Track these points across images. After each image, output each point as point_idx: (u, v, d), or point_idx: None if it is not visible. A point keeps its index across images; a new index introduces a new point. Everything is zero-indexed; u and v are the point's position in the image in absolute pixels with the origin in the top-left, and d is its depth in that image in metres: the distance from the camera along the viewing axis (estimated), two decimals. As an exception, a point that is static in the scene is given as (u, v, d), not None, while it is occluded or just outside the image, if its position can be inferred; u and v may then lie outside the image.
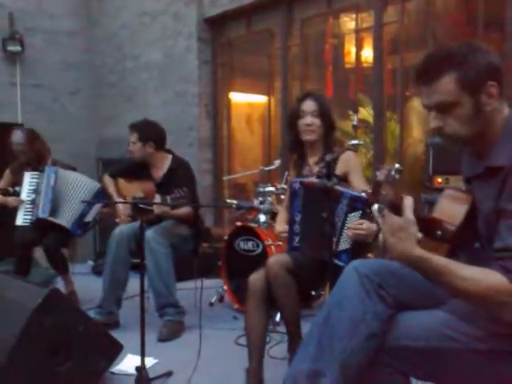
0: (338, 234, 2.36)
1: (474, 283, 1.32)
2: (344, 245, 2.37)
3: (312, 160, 2.71)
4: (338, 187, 2.33)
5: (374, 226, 2.28)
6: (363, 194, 2.29)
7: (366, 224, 2.31)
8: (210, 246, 4.76)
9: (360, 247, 2.37)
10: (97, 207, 3.95)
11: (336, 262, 2.33)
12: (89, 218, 3.92)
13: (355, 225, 2.33)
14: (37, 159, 3.96)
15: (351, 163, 2.62)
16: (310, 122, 2.62)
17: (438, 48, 1.50)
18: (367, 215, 2.30)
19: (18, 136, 3.92)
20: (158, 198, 3.18)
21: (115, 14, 6.41)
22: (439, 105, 1.44)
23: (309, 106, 2.64)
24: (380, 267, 1.55)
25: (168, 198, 2.79)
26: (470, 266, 1.34)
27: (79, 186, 3.88)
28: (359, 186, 2.47)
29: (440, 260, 1.35)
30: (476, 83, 1.41)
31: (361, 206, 2.31)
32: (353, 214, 2.34)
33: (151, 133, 3.64)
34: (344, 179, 2.56)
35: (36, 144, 3.97)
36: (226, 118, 5.70)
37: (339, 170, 2.60)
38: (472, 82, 1.40)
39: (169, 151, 3.74)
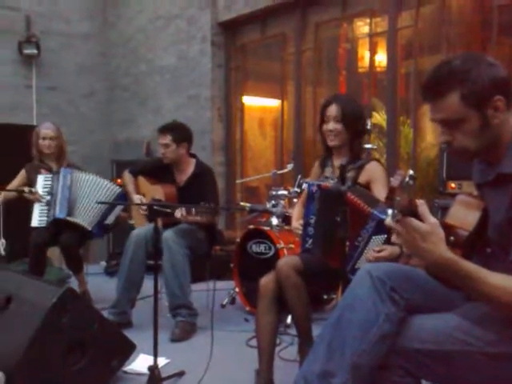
0: (359, 253, 2.33)
1: (502, 291, 1.32)
2: (362, 264, 2.34)
3: (337, 163, 2.66)
4: (365, 205, 2.29)
5: (396, 250, 2.23)
6: None
7: (388, 251, 2.25)
8: (222, 248, 4.78)
9: None
10: (118, 210, 3.96)
11: (350, 276, 2.31)
12: (109, 220, 3.94)
13: (377, 251, 2.27)
14: (57, 156, 4.01)
15: (376, 174, 2.57)
16: (331, 127, 2.57)
17: (441, 64, 1.46)
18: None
19: (48, 126, 3.99)
20: (183, 210, 3.19)
21: (131, 18, 6.46)
22: (445, 121, 1.45)
23: (331, 111, 2.58)
24: (393, 270, 1.55)
25: (193, 210, 2.81)
26: (498, 274, 1.34)
27: (99, 186, 3.89)
28: (380, 196, 2.42)
29: (470, 265, 1.35)
30: (481, 99, 1.40)
31: (385, 229, 2.26)
32: (378, 236, 2.30)
33: (184, 134, 3.64)
34: (366, 188, 2.53)
35: (61, 139, 4.04)
36: (238, 122, 5.72)
37: (362, 178, 2.56)
38: (477, 99, 1.40)
39: (193, 155, 3.74)
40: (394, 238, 1.43)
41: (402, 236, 1.39)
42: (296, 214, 2.84)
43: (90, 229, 3.86)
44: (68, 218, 3.81)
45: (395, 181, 1.44)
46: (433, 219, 1.37)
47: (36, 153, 4.01)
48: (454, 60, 1.45)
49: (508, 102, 1.43)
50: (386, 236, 2.28)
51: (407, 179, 1.48)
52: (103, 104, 6.74)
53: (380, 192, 2.51)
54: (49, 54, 6.26)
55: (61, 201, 3.81)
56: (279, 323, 2.49)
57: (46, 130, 3.97)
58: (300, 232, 2.58)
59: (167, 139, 3.56)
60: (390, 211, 1.42)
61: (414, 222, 1.36)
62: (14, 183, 4.01)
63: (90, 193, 3.88)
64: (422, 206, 1.38)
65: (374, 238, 2.30)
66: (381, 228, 2.26)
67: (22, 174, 4.05)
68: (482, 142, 1.45)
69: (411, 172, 2.64)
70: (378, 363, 1.47)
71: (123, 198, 3.87)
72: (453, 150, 1.49)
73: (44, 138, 3.95)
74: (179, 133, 3.60)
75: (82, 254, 4.24)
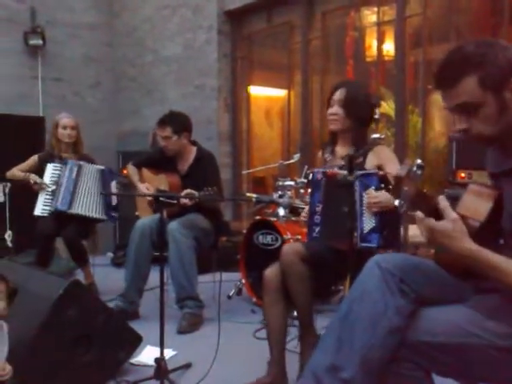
0: (360, 216, 2.31)
1: None
2: (368, 224, 2.32)
3: (340, 150, 2.63)
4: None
5: (388, 196, 2.21)
6: (373, 170, 2.30)
7: (379, 194, 2.25)
8: (228, 239, 4.77)
9: (386, 220, 2.30)
10: (113, 188, 3.95)
11: (365, 245, 2.29)
12: (114, 201, 3.95)
13: (368, 198, 2.28)
14: (76, 146, 4.05)
15: (384, 154, 2.52)
16: (333, 111, 2.52)
17: (454, 50, 1.44)
18: (382, 189, 2.26)
19: (68, 115, 4.03)
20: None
21: (136, 8, 6.43)
22: (462, 106, 1.42)
23: (338, 94, 2.53)
24: (402, 262, 1.53)
25: (196, 194, 2.82)
26: None
27: (91, 176, 3.93)
28: None
29: (496, 256, 1.35)
30: (498, 81, 1.37)
31: (374, 181, 2.27)
32: (367, 191, 2.29)
33: (184, 123, 3.60)
34: None
35: (79, 130, 4.06)
36: (245, 112, 5.69)
37: (371, 163, 2.50)
38: (494, 81, 1.37)
39: (194, 143, 3.73)
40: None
41: (425, 235, 1.42)
42: None
43: (104, 218, 3.91)
44: (71, 211, 3.81)
45: (402, 170, 1.42)
46: (453, 215, 1.37)
47: (55, 142, 4.01)
48: (466, 45, 1.42)
49: None
50: (374, 188, 2.28)
51: (414, 168, 1.45)
52: (109, 95, 6.72)
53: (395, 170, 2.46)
54: (54, 45, 6.24)
55: (64, 193, 3.82)
56: (288, 313, 2.46)
57: (68, 119, 4.00)
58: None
59: (167, 132, 3.53)
60: (397, 202, 1.40)
61: (435, 223, 1.37)
62: (24, 165, 4.01)
63: (93, 184, 3.91)
64: (442, 201, 1.38)
65: (364, 194, 2.30)
66: (367, 183, 2.29)
67: (34, 159, 4.04)
68: (500, 127, 1.42)
69: (419, 161, 2.59)
70: (388, 356, 1.45)
71: (110, 173, 3.96)
72: (470, 136, 1.45)
73: (65, 128, 3.97)
74: (178, 123, 3.56)
75: (89, 245, 4.26)
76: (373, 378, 1.46)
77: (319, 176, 2.45)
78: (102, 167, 3.98)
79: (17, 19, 6.01)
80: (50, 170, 3.88)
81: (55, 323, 2.29)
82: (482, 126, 1.41)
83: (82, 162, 3.92)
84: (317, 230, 2.46)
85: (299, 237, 3.48)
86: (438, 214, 1.40)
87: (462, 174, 3.11)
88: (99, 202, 3.91)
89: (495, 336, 1.39)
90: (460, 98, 1.41)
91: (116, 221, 4.21)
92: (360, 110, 2.53)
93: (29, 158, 4.04)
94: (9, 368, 1.90)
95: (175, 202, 3.18)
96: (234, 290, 4.00)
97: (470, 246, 1.36)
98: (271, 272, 2.41)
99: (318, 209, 2.45)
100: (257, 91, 5.79)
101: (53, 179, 3.86)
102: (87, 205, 3.88)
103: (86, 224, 3.90)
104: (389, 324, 1.44)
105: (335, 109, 2.53)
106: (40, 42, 6.05)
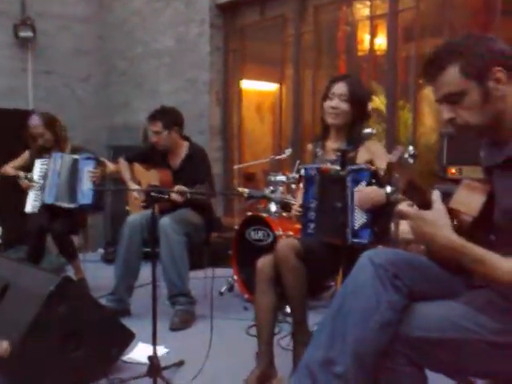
0: (351, 212, 2.31)
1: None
2: (360, 220, 2.32)
3: (331, 145, 2.62)
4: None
5: (380, 191, 2.23)
6: (365, 165, 2.30)
7: (369, 188, 2.27)
8: (220, 235, 4.75)
9: (377, 216, 2.31)
10: (85, 172, 3.87)
11: (356, 241, 2.29)
12: (87, 184, 3.84)
13: (359, 195, 2.29)
14: (57, 144, 3.98)
15: (377, 150, 2.51)
16: (335, 104, 2.50)
17: (440, 45, 1.49)
18: (373, 185, 2.27)
19: (34, 120, 3.95)
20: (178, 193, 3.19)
21: (127, 0, 6.37)
22: (447, 96, 1.44)
23: (338, 88, 2.51)
24: (395, 257, 1.53)
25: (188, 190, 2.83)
26: (509, 258, 1.34)
27: (67, 166, 3.89)
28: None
29: (480, 249, 1.35)
30: (480, 70, 1.40)
31: (364, 176, 2.29)
32: (358, 187, 2.30)
33: (174, 118, 3.60)
34: None
35: (54, 128, 3.98)
36: (236, 106, 5.67)
37: (362, 158, 2.49)
38: (476, 69, 1.40)
39: (186, 138, 3.72)
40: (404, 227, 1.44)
41: (409, 224, 1.42)
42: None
43: (75, 205, 3.82)
44: (57, 203, 3.80)
45: (393, 156, 1.42)
46: (440, 206, 1.38)
47: (35, 145, 3.98)
48: (452, 40, 1.49)
49: (510, 75, 1.41)
50: (365, 182, 2.29)
51: (406, 155, 1.46)
52: (100, 88, 6.67)
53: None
54: (45, 37, 6.18)
55: (50, 186, 3.81)
56: (278, 305, 2.46)
57: (35, 128, 3.92)
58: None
59: (157, 126, 3.53)
60: (388, 188, 1.40)
61: (420, 212, 1.37)
62: (15, 163, 4.01)
63: (68, 174, 3.87)
64: (436, 194, 1.40)
65: (355, 190, 2.31)
66: (357, 178, 2.30)
67: (26, 155, 4.04)
68: (485, 117, 1.43)
69: (411, 148, 2.58)
70: (381, 351, 1.45)
71: (85, 159, 3.87)
72: (457, 126, 1.47)
73: (36, 137, 3.92)
74: (169, 118, 3.56)
75: (79, 241, 4.23)
76: (366, 373, 1.46)
77: (313, 172, 2.45)
78: (77, 157, 3.91)
79: (7, 11, 5.94)
80: (38, 165, 3.88)
81: (46, 319, 2.28)
82: (467, 114, 1.44)
83: (64, 154, 3.90)
84: (311, 226, 2.46)
85: (291, 233, 3.47)
86: (429, 208, 1.40)
87: (453, 170, 3.12)
88: (75, 191, 3.85)
89: (487, 331, 1.40)
90: (445, 89, 1.44)
91: (94, 207, 4.04)
92: (362, 106, 2.55)
93: (22, 154, 4.03)
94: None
95: (166, 196, 3.17)
96: (225, 287, 3.99)
97: (452, 236, 1.36)
98: (264, 262, 2.40)
99: (313, 205, 2.45)
100: (248, 85, 5.75)
101: (40, 174, 3.85)
102: (67, 196, 3.84)
103: (71, 217, 3.87)
104: (381, 318, 1.44)
105: (336, 102, 2.51)
106: (30, 34, 5.98)
